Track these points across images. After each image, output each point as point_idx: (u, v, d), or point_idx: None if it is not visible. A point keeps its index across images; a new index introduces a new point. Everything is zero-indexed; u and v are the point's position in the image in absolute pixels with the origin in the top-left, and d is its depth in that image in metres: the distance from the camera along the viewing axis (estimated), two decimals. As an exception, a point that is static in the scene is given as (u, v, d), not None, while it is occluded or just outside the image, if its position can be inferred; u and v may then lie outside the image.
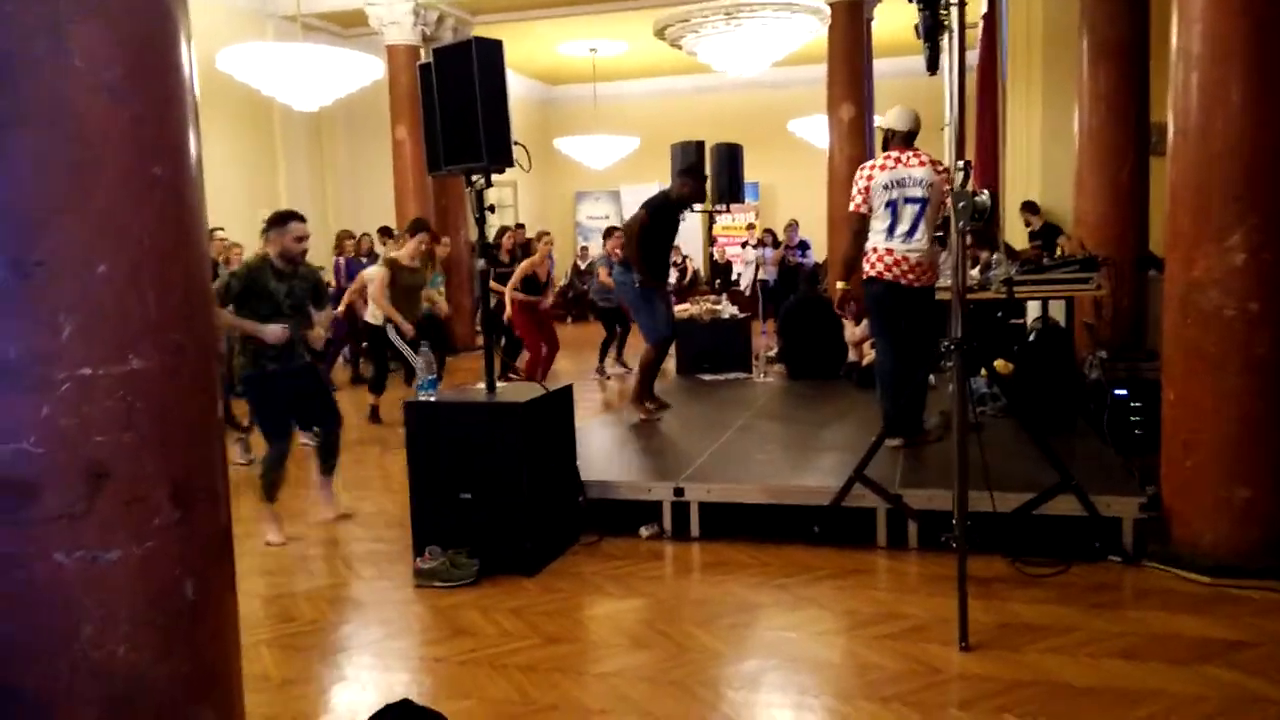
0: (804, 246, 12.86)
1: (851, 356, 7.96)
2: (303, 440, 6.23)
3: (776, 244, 13.52)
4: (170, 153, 1.73)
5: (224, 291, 4.36)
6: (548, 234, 8.53)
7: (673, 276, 15.41)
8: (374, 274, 7.61)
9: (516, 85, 16.97)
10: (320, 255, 10.58)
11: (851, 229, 4.94)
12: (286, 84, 8.64)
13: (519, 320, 8.26)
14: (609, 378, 9.87)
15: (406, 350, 6.66)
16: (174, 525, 1.60)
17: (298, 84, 8.64)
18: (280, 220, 4.48)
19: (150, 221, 1.63)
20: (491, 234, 9.24)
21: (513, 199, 16.74)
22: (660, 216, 6.02)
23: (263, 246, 4.57)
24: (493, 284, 8.28)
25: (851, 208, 4.94)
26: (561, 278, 17.56)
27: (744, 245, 15.74)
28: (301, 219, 4.52)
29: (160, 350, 1.57)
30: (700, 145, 8.29)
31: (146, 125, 1.68)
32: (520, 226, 12.71)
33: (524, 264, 8.27)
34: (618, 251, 7.40)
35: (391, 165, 11.68)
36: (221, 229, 8.20)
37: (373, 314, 7.54)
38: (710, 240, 11.15)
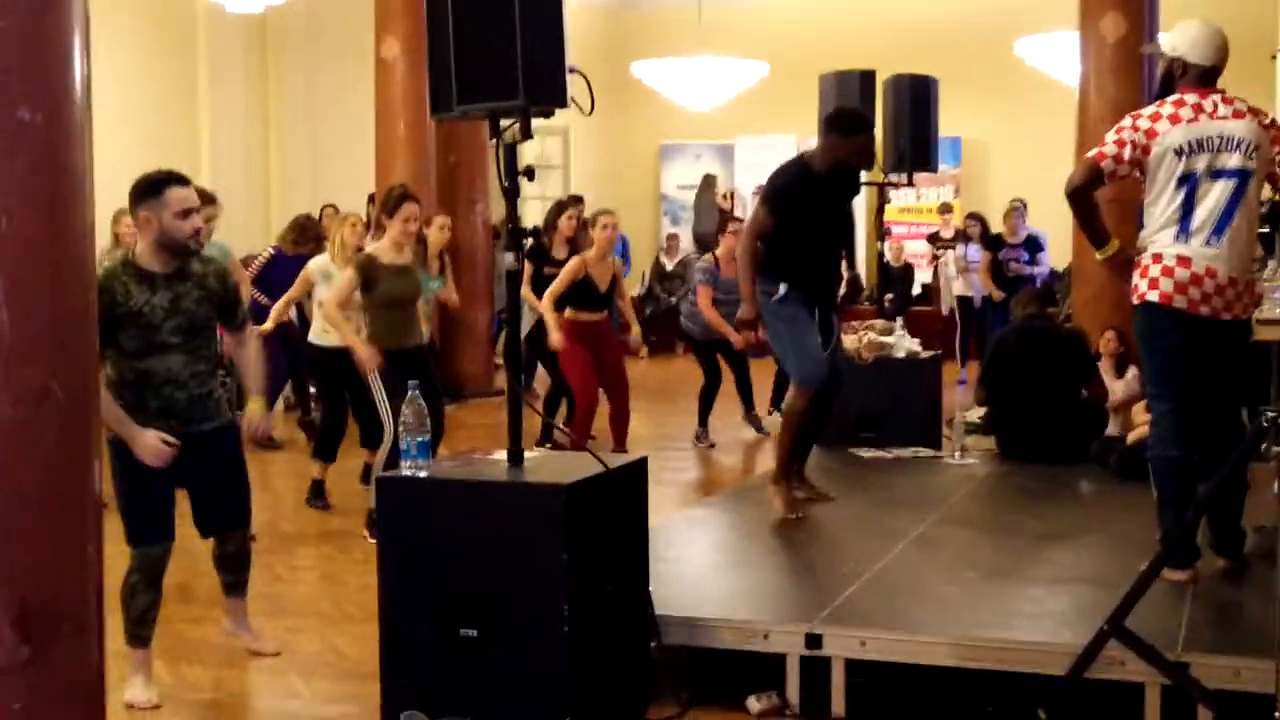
0: (1035, 245, 12.71)
1: (1111, 428, 7.84)
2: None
3: (989, 240, 13.40)
4: (42, 88, 1.77)
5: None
6: (609, 214, 8.56)
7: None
8: (321, 270, 7.79)
9: (574, -23, 17.24)
10: (257, 240, 10.85)
11: (1083, 178, 4.90)
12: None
13: (566, 352, 8.33)
14: (713, 445, 9.91)
15: (379, 392, 6.77)
16: (20, 667, 1.62)
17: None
18: (151, 189, 4.46)
19: (8, 197, 1.67)
20: (533, 213, 9.48)
21: (561, 157, 16.99)
22: (794, 206, 6.02)
23: (124, 237, 4.63)
24: (528, 294, 8.39)
25: (1092, 153, 4.92)
26: (636, 284, 17.73)
27: (934, 239, 15.67)
28: (183, 181, 4.52)
29: (14, 396, 1.59)
30: (867, 77, 8.38)
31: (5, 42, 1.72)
32: (578, 200, 12.91)
33: (572, 263, 8.33)
34: (734, 258, 7.44)
35: (373, 99, 11.95)
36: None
37: (320, 331, 7.70)
38: (879, 231, 11.05)
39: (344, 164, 13.05)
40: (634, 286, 17.98)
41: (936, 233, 15.86)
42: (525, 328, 8.82)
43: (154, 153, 10.41)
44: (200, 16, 12.32)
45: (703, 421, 10.03)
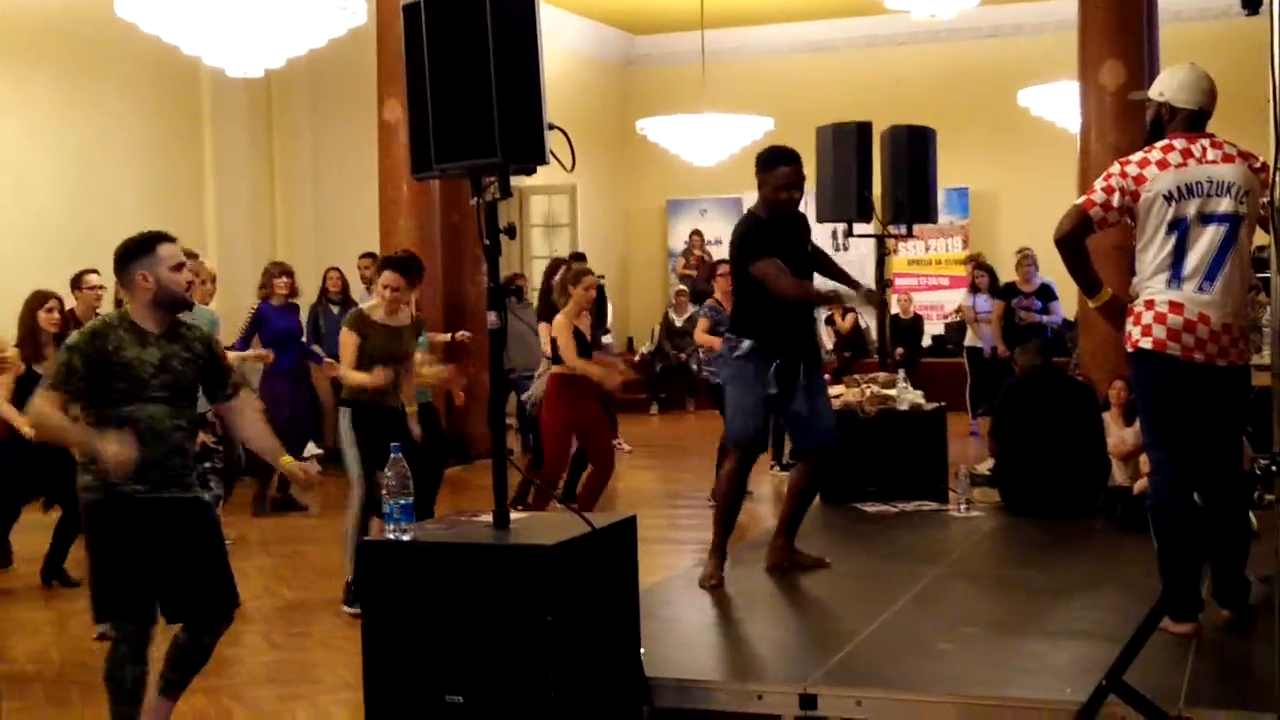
0: (1048, 294, 12.58)
1: (1116, 477, 7.79)
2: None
3: (997, 288, 13.32)
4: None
5: (64, 375, 4.35)
6: (592, 275, 8.39)
7: (827, 340, 15.39)
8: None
9: (576, 32, 17.46)
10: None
11: (1071, 225, 4.89)
12: (219, 37, 9.03)
13: (548, 407, 8.18)
14: (750, 495, 9.89)
15: (351, 449, 6.75)
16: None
17: (236, 36, 9.02)
18: (142, 247, 4.47)
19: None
20: (529, 268, 9.46)
21: (569, 215, 17.04)
22: (756, 250, 6.00)
23: (124, 301, 4.60)
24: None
25: (1080, 201, 4.92)
26: (646, 340, 17.72)
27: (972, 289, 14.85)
28: (171, 238, 4.54)
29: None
30: (864, 129, 8.37)
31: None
32: (579, 257, 12.93)
33: (565, 325, 8.13)
34: (730, 296, 7.42)
35: (376, 161, 12.04)
36: (95, 272, 8.25)
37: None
38: (881, 282, 11.02)
39: (348, 225, 13.12)
40: (643, 342, 18.01)
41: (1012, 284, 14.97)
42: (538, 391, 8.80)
43: (160, 215, 10.51)
44: (204, 80, 12.43)
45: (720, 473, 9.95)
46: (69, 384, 4.36)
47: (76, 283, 8.35)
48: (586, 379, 8.03)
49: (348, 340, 6.81)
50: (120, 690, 4.44)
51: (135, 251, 4.48)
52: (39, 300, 7.44)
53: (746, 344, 6.05)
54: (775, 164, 6.02)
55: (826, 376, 6.72)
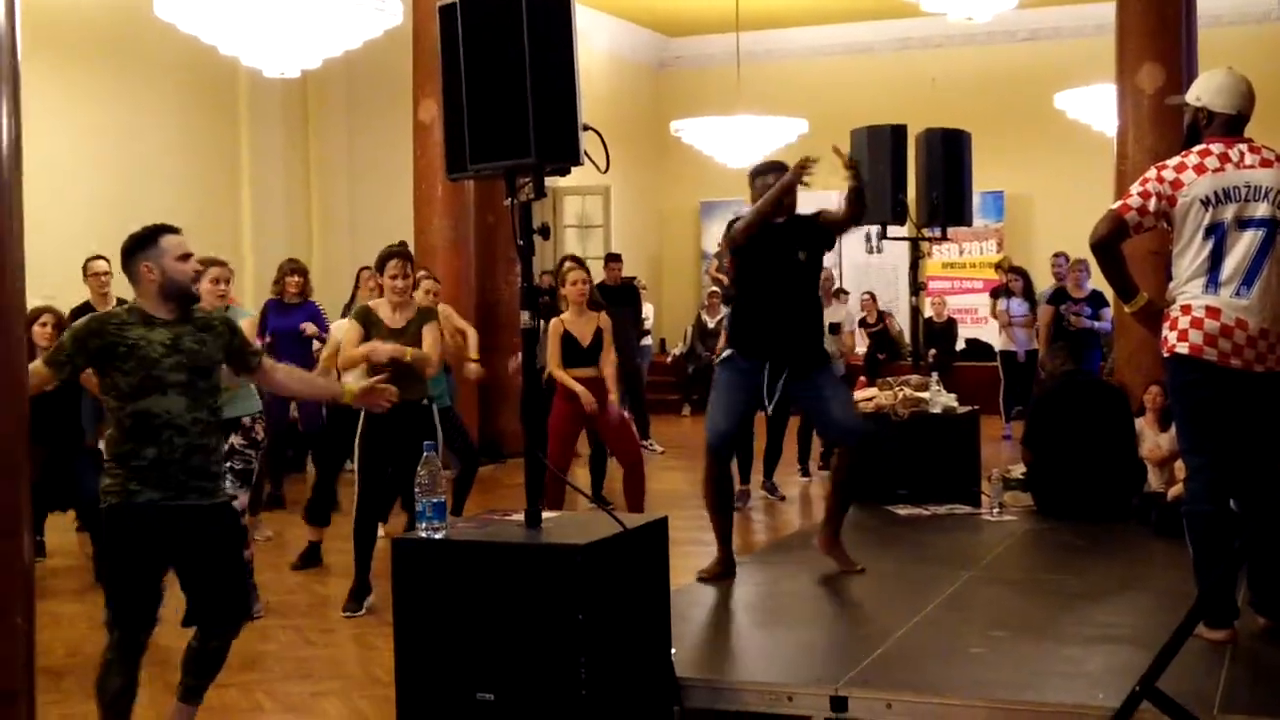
0: (1099, 301, 12.45)
1: (1151, 483, 7.73)
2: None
3: (1030, 291, 13.28)
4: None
5: (53, 350, 4.37)
6: (578, 270, 8.19)
7: (860, 345, 15.35)
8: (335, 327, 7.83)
9: (612, 34, 17.48)
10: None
11: (1107, 230, 4.87)
12: (256, 38, 9.10)
13: (553, 414, 8.06)
14: (783, 498, 10.00)
15: (359, 452, 6.74)
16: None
17: (273, 37, 9.08)
18: (145, 240, 4.45)
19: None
20: (573, 286, 9.28)
21: (602, 216, 17.07)
22: (743, 257, 6.11)
23: (134, 298, 4.56)
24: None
25: (1116, 205, 4.90)
26: (679, 342, 17.73)
27: (998, 294, 14.83)
28: (174, 230, 4.52)
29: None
30: (898, 131, 8.36)
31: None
32: (615, 258, 12.94)
33: (550, 326, 7.99)
34: None
35: (411, 160, 12.09)
36: (103, 258, 8.37)
37: None
38: (914, 286, 10.99)
39: (383, 225, 13.13)
40: (675, 344, 18.01)
41: (1003, 286, 14.93)
42: None
43: (195, 215, 10.60)
44: (241, 81, 12.51)
45: (769, 474, 10.02)
46: (54, 357, 4.34)
47: (85, 270, 8.46)
48: (582, 381, 7.89)
49: (350, 329, 6.82)
50: (103, 699, 4.41)
51: (139, 244, 4.46)
52: (33, 315, 7.47)
53: (727, 351, 6.17)
54: (758, 175, 6.16)
55: (861, 378, 6.72)
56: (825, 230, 6.18)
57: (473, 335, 9.35)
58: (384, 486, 6.93)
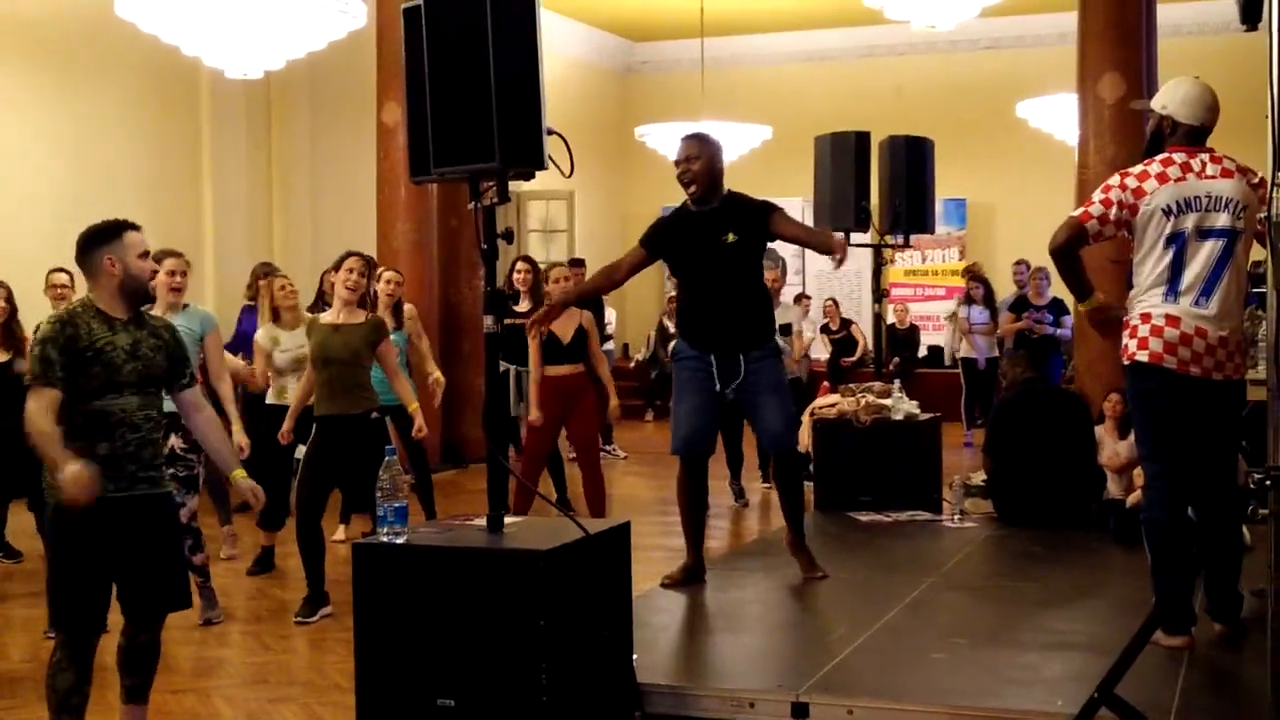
0: (1060, 308, 12.53)
1: (1111, 489, 7.79)
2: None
3: (990, 299, 13.35)
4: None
5: (43, 368, 4.23)
6: (559, 267, 8.32)
7: (820, 350, 15.37)
8: (269, 337, 7.79)
9: (577, 39, 17.46)
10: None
11: (1066, 237, 4.90)
12: (219, 38, 9.03)
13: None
14: (746, 504, 9.99)
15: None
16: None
17: (235, 38, 9.02)
18: (109, 233, 4.40)
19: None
20: (516, 274, 9.40)
21: (566, 220, 17.04)
22: (660, 245, 6.12)
23: (87, 291, 4.48)
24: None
25: (1078, 212, 4.93)
26: (641, 348, 17.71)
27: (963, 302, 14.68)
28: (136, 227, 4.46)
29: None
30: (862, 138, 8.40)
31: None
32: (579, 263, 12.90)
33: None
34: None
35: (375, 163, 12.04)
36: (64, 270, 8.13)
37: (276, 393, 7.74)
38: (877, 293, 11.01)
39: (346, 227, 13.09)
40: (638, 350, 17.99)
41: (968, 293, 14.88)
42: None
43: (157, 215, 10.51)
44: (203, 82, 12.42)
45: (735, 478, 10.03)
46: (50, 376, 4.23)
47: (46, 281, 8.38)
48: (564, 378, 7.95)
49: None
50: (54, 698, 4.34)
51: (101, 236, 4.40)
52: None
53: (677, 343, 6.19)
54: (682, 162, 6.15)
55: (824, 384, 6.71)
56: (761, 218, 5.99)
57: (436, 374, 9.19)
58: (323, 498, 6.78)
